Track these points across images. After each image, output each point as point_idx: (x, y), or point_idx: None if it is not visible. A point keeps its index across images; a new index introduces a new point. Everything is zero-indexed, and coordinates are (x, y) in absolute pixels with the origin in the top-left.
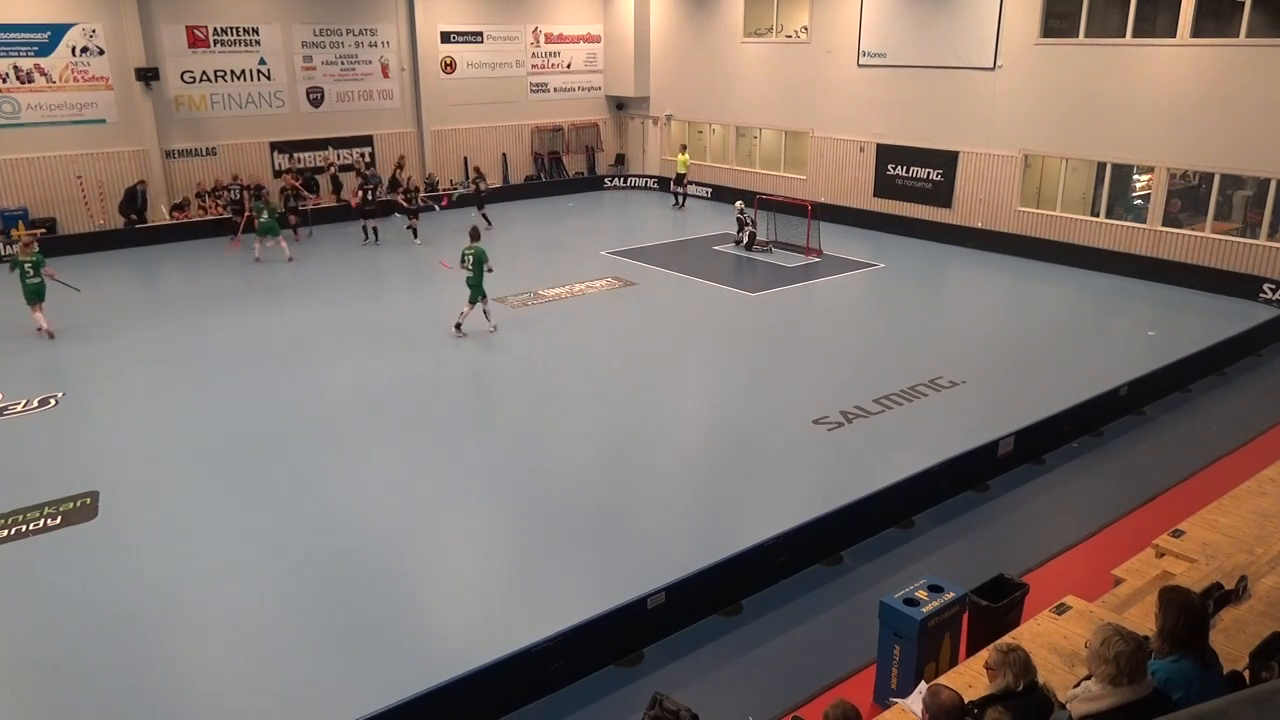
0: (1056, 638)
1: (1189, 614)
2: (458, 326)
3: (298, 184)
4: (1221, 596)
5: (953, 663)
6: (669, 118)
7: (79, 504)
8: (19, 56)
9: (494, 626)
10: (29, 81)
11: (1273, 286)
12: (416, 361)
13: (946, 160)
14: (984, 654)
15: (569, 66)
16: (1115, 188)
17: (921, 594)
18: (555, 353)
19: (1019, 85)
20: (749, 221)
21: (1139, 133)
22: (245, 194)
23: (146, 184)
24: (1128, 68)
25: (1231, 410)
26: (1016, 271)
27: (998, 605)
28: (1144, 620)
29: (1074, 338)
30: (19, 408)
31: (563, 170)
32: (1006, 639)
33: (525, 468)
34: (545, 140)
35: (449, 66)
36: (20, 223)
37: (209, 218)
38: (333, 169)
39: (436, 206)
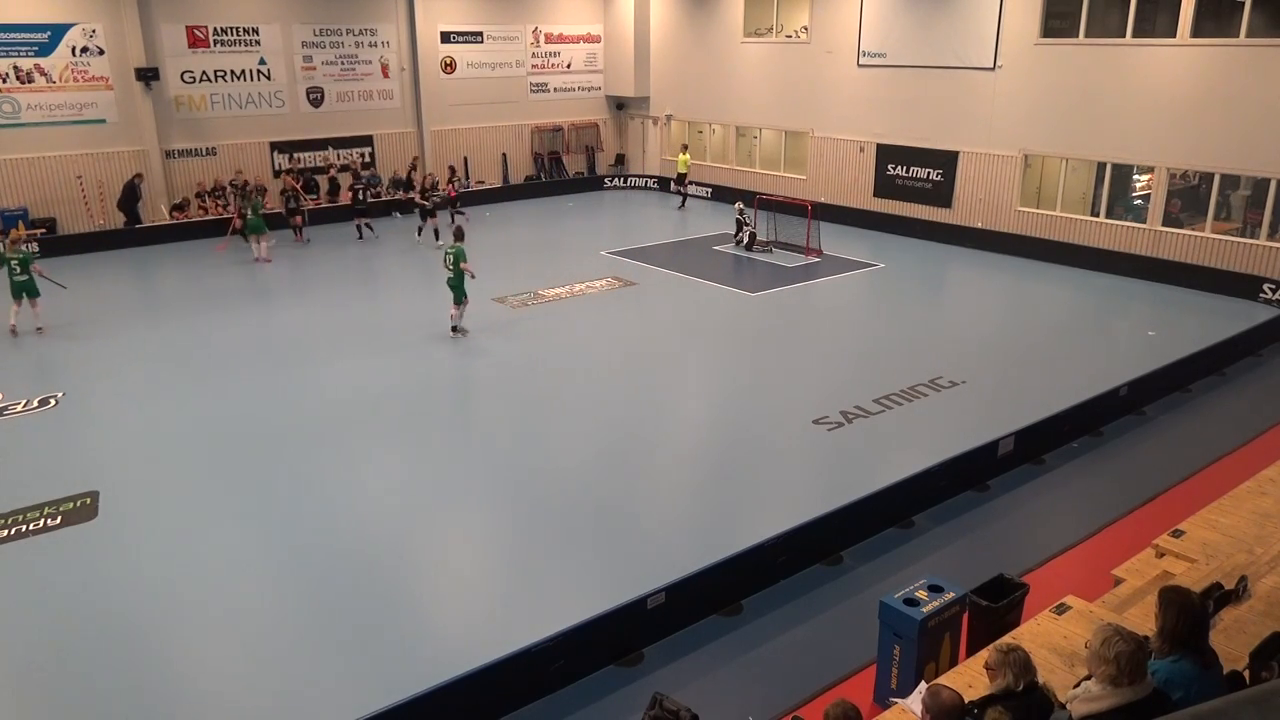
0: (1056, 638)
1: (1189, 614)
2: (454, 329)
3: (297, 185)
4: (1221, 596)
5: (953, 663)
6: (669, 118)
7: (79, 504)
8: (19, 56)
9: (494, 626)
10: (29, 81)
11: (1272, 286)
12: (416, 361)
13: (946, 160)
14: (984, 654)
15: (569, 66)
16: (1115, 188)
17: (921, 594)
18: (555, 353)
19: (1019, 85)
20: (748, 222)
21: (1139, 133)
22: (232, 193)
23: (143, 177)
24: (1128, 68)
25: (1231, 410)
26: (1016, 271)
27: (998, 605)
28: (1144, 620)
29: (1074, 338)
30: (19, 408)
31: (563, 170)
32: (1006, 639)
33: (525, 467)
34: (545, 140)
35: (449, 66)
36: (20, 223)
37: (209, 218)
38: (332, 170)
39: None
